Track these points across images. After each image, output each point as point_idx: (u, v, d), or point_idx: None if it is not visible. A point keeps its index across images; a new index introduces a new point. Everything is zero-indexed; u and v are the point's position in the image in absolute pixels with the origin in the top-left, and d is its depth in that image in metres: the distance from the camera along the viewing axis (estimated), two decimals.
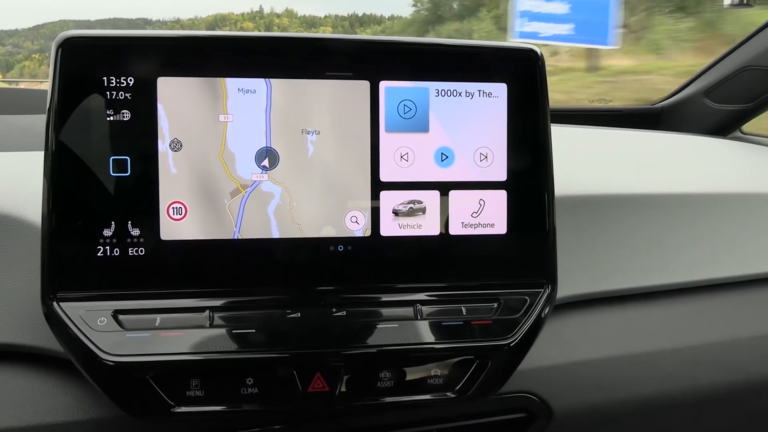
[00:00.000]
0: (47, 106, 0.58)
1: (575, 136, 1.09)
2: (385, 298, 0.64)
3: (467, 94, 0.64)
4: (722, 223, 0.90)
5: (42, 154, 0.59)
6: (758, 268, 0.92)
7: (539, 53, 0.66)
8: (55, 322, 0.59)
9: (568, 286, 0.78)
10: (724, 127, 1.30)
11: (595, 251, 0.82)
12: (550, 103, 0.67)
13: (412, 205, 0.64)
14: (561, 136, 0.99)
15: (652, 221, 0.86)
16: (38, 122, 0.70)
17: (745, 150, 1.18)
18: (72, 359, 0.60)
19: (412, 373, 0.63)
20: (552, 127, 0.68)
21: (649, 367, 0.82)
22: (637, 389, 0.82)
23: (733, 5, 0.75)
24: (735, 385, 0.86)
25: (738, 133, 1.33)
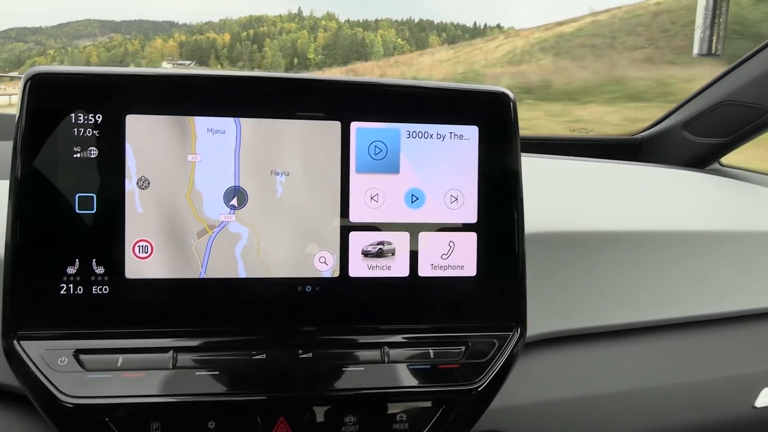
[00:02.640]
0: (14, 140, 0.58)
1: (552, 168, 1.09)
2: (353, 340, 0.63)
3: (438, 136, 0.64)
4: (697, 260, 0.91)
5: (6, 183, 0.58)
6: (732, 306, 0.92)
7: (511, 96, 0.66)
8: (14, 359, 0.58)
9: (540, 323, 0.78)
10: (703, 159, 1.30)
11: (568, 288, 0.82)
12: (529, 132, 0.67)
13: (381, 246, 0.64)
14: (537, 167, 1.00)
15: (626, 259, 0.86)
16: (4, 149, 0.69)
17: (722, 184, 1.19)
18: (30, 398, 0.58)
19: (378, 417, 0.63)
20: (529, 158, 0.68)
21: (621, 407, 0.82)
22: (610, 428, 0.81)
23: (701, 54, 0.75)
24: (707, 425, 0.86)
25: (716, 165, 1.34)
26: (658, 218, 0.93)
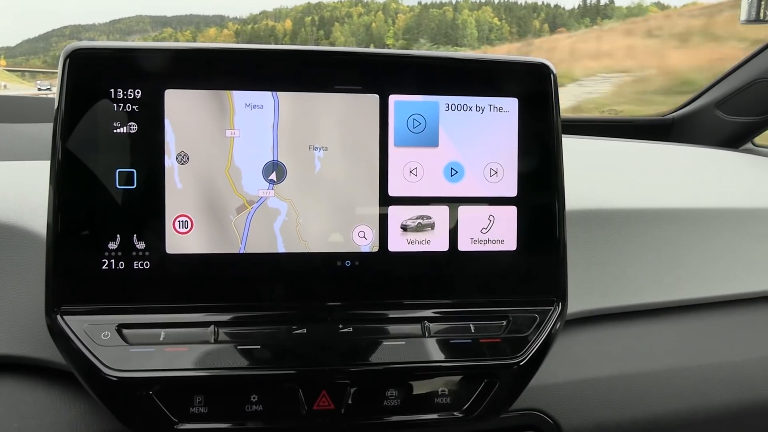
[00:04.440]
0: (54, 117, 0.58)
1: (586, 148, 1.08)
2: (393, 314, 0.63)
3: (478, 109, 0.64)
4: (735, 238, 0.89)
5: (48, 163, 0.58)
6: None
7: (551, 67, 0.65)
8: (58, 335, 0.58)
9: (578, 301, 0.77)
10: (736, 139, 1.28)
11: (606, 267, 0.81)
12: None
13: (420, 221, 0.63)
14: (572, 148, 0.98)
15: (664, 236, 0.85)
16: (45, 131, 0.69)
17: (758, 163, 1.17)
18: (75, 373, 0.59)
19: (419, 392, 0.62)
20: (563, 139, 0.67)
21: (659, 386, 0.81)
22: (647, 408, 0.80)
23: (749, 21, 0.74)
24: (746, 405, 0.85)
25: (750, 145, 1.32)
26: (693, 197, 0.92)
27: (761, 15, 0.73)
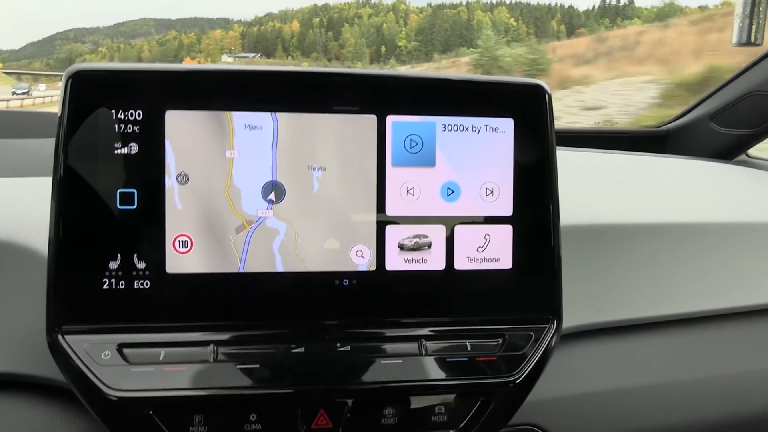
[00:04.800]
0: (56, 138, 0.59)
1: (581, 161, 1.09)
2: (390, 333, 0.63)
3: (474, 129, 0.64)
4: (729, 252, 0.90)
5: (50, 180, 0.59)
6: (765, 298, 0.91)
7: (546, 88, 0.66)
8: (59, 353, 0.58)
9: (573, 316, 0.77)
10: (730, 151, 1.29)
11: (601, 281, 0.82)
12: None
13: (417, 240, 0.64)
14: (566, 161, 0.99)
15: (658, 251, 0.86)
16: (46, 147, 0.70)
17: (752, 175, 1.18)
18: (75, 391, 0.59)
19: (416, 410, 0.63)
20: (557, 152, 0.68)
21: (654, 400, 0.81)
22: (643, 422, 0.81)
23: (740, 44, 0.75)
24: (741, 418, 0.85)
25: (744, 157, 1.33)
26: (688, 210, 0.93)
27: (752, 38, 0.75)
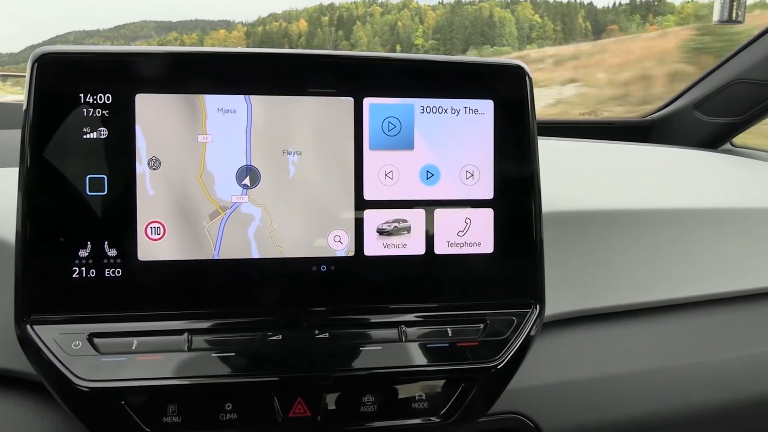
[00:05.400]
0: (23, 123, 0.57)
1: (564, 150, 1.08)
2: (369, 319, 0.62)
3: (453, 111, 0.63)
4: (712, 238, 0.90)
5: (15, 171, 0.57)
6: (748, 284, 0.91)
7: (526, 69, 0.65)
8: (28, 345, 0.57)
9: (557, 303, 0.77)
10: (715, 140, 1.29)
11: (584, 268, 0.81)
12: (538, 116, 0.66)
13: (396, 224, 0.63)
14: (550, 149, 0.98)
15: (642, 237, 0.85)
16: (14, 137, 0.68)
17: (736, 163, 1.18)
18: (45, 384, 0.58)
19: (396, 397, 0.62)
20: (541, 141, 0.67)
21: (640, 387, 0.81)
22: (628, 409, 0.80)
23: (722, 21, 0.74)
24: (726, 404, 0.85)
25: (728, 146, 1.33)
26: (672, 197, 0.92)
27: (733, 15, 0.74)
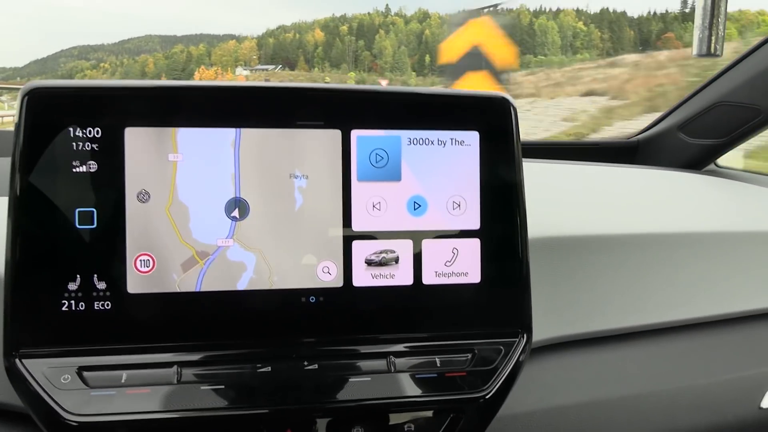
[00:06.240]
0: (12, 155, 0.57)
1: (550, 172, 1.09)
2: (358, 350, 0.63)
3: (439, 143, 0.64)
4: (699, 262, 0.90)
5: (5, 200, 0.57)
6: (735, 307, 0.92)
7: (511, 101, 0.66)
8: (17, 378, 0.57)
9: (543, 328, 0.77)
10: (699, 161, 1.31)
11: (570, 293, 0.82)
12: (523, 137, 0.67)
13: (384, 255, 0.63)
14: (535, 171, 0.99)
15: (627, 262, 0.86)
16: (2, 165, 0.68)
17: (720, 185, 1.19)
18: (34, 417, 0.58)
19: (386, 428, 0.62)
20: (526, 163, 0.68)
21: (627, 411, 0.81)
22: None
23: (700, 55, 0.76)
24: (714, 427, 0.85)
25: (713, 167, 1.34)
26: (658, 220, 0.93)
27: (711, 49, 0.76)
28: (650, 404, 0.82)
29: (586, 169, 1.16)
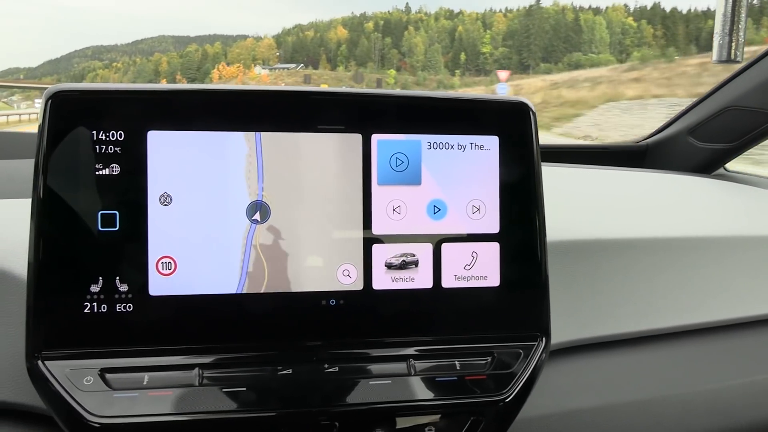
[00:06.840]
0: (35, 158, 0.58)
1: (562, 177, 1.10)
2: (378, 353, 0.63)
3: (459, 147, 0.64)
4: (711, 266, 0.91)
5: (29, 201, 0.58)
6: (748, 311, 0.92)
7: (530, 106, 0.66)
8: (39, 380, 0.57)
9: (558, 332, 0.77)
10: (709, 165, 1.31)
11: (583, 296, 0.82)
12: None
13: (404, 258, 0.63)
14: (548, 176, 1.00)
15: (641, 266, 0.86)
16: (24, 168, 0.68)
17: (730, 189, 1.19)
18: (56, 419, 0.58)
19: (406, 431, 0.62)
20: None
21: (642, 415, 0.81)
22: None
23: (720, 61, 0.76)
24: None
25: (722, 171, 1.34)
26: (669, 225, 0.93)
27: (732, 55, 0.76)
28: (664, 408, 0.82)
29: (594, 173, 1.17)
